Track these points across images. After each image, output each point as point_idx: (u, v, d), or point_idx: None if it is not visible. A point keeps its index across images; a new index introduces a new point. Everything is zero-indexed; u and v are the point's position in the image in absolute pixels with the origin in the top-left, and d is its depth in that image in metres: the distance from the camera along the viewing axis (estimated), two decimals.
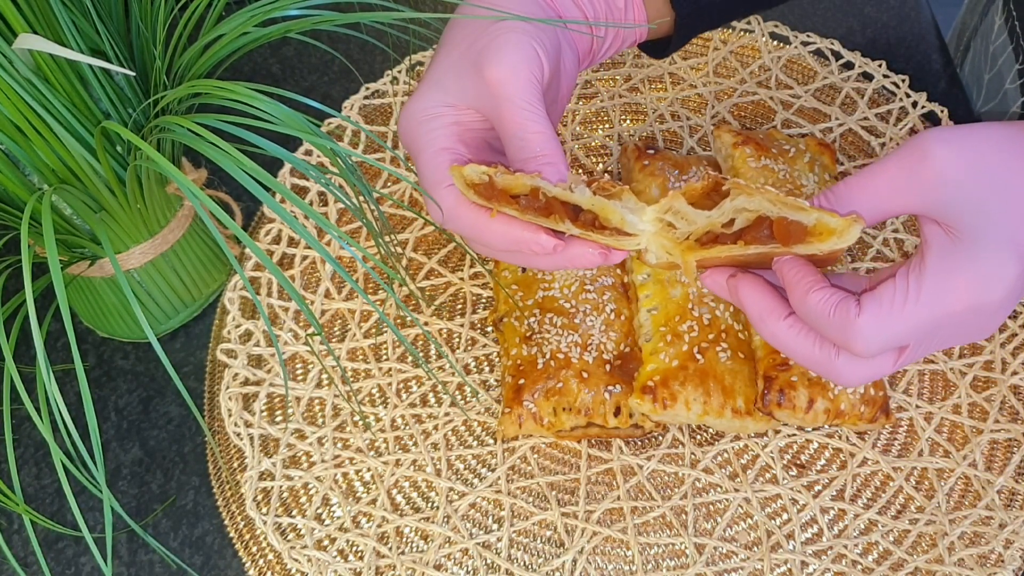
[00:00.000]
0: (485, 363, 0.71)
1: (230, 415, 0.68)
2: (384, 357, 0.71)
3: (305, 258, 0.76)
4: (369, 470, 0.67)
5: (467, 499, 0.66)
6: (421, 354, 0.72)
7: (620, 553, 0.64)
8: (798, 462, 0.67)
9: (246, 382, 0.70)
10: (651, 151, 0.73)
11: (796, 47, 0.85)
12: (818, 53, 0.85)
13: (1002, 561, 0.62)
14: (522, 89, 0.49)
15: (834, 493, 0.65)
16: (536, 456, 0.67)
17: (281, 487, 0.66)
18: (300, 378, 0.71)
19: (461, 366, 0.71)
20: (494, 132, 0.53)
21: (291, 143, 0.79)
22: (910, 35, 0.88)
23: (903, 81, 0.82)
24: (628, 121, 0.82)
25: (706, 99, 0.83)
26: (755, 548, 0.64)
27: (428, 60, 0.84)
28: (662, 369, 0.64)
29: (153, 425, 0.71)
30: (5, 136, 0.55)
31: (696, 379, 0.63)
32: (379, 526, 0.65)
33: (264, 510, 0.65)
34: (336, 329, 0.73)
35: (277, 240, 0.76)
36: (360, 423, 0.68)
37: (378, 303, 0.74)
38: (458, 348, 0.71)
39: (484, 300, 0.74)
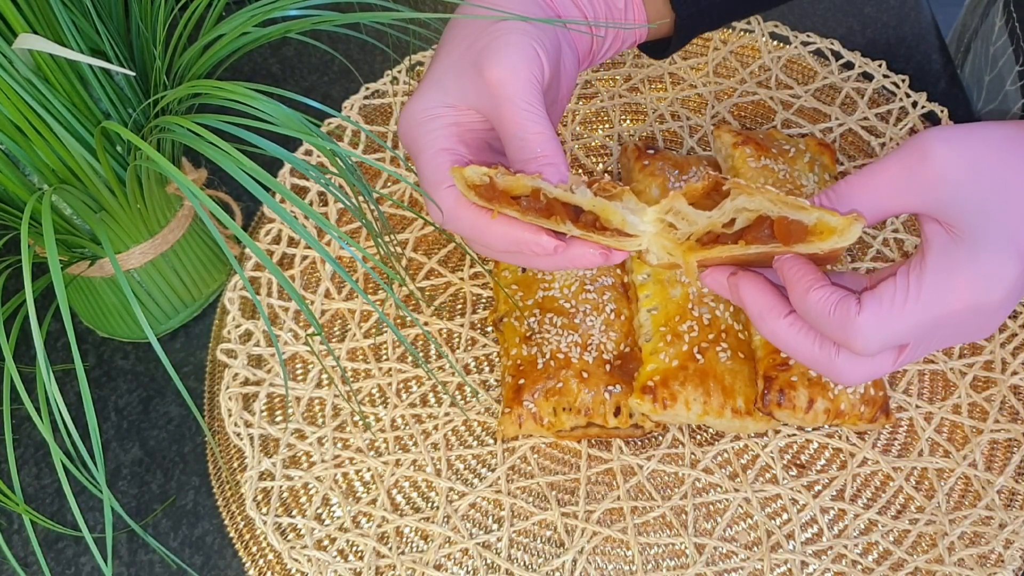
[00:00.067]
0: (485, 363, 0.71)
1: (230, 415, 0.68)
2: (384, 357, 0.71)
3: (305, 258, 0.76)
4: (369, 470, 0.67)
5: (467, 499, 0.66)
6: (421, 354, 0.72)
7: (620, 553, 0.64)
8: (798, 462, 0.67)
9: (246, 382, 0.70)
10: (651, 151, 0.73)
11: (796, 47, 0.85)
12: (818, 53, 0.85)
13: (1002, 561, 0.62)
14: (522, 89, 0.49)
15: (834, 493, 0.65)
16: (536, 456, 0.67)
17: (281, 487, 0.66)
18: (300, 378, 0.71)
19: (461, 366, 0.71)
20: (494, 133, 0.53)
21: (291, 143, 0.79)
22: (910, 35, 0.88)
23: (903, 81, 0.82)
24: (628, 121, 0.82)
25: (706, 99, 0.83)
26: (755, 548, 0.64)
27: (428, 60, 0.84)
28: (662, 369, 0.64)
29: (153, 425, 0.71)
30: (5, 136, 0.55)
31: (696, 379, 0.63)
32: (379, 526, 0.65)
33: (264, 510, 0.65)
34: (336, 329, 0.73)
35: (277, 240, 0.76)
36: (360, 423, 0.68)
37: (378, 303, 0.74)
38: (458, 348, 0.71)
39: (484, 300, 0.74)
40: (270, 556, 0.64)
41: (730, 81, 0.84)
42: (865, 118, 0.81)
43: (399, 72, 0.84)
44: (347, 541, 0.64)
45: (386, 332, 0.72)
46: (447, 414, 0.69)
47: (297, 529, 0.65)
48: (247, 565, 0.65)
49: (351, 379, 0.70)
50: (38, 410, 0.49)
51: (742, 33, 0.86)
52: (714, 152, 0.75)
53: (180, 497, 0.68)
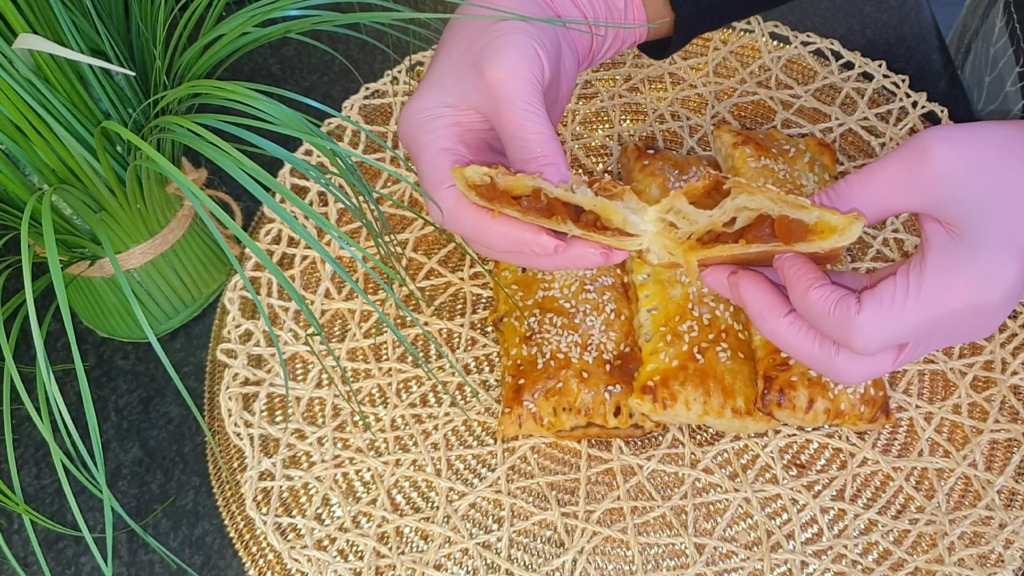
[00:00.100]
0: (485, 363, 0.71)
1: (230, 415, 0.68)
2: (384, 357, 0.71)
3: (305, 258, 0.76)
4: (369, 470, 0.67)
5: (467, 499, 0.66)
6: (421, 354, 0.72)
7: (620, 553, 0.64)
8: (798, 462, 0.67)
9: (246, 382, 0.70)
10: (651, 151, 0.73)
11: (796, 47, 0.85)
12: (818, 53, 0.85)
13: (1002, 561, 0.62)
14: (522, 89, 0.49)
15: (834, 493, 0.65)
16: (536, 456, 0.67)
17: (281, 487, 0.66)
18: (300, 378, 0.71)
19: (461, 366, 0.71)
20: (494, 133, 0.53)
21: (291, 143, 0.79)
22: (910, 35, 0.88)
23: (903, 81, 0.82)
24: (628, 121, 0.82)
25: (706, 99, 0.83)
26: (755, 548, 0.64)
27: (428, 60, 0.84)
28: (662, 369, 0.64)
29: (153, 425, 0.71)
30: (5, 136, 0.55)
31: (696, 379, 0.63)
32: (379, 526, 0.65)
33: (264, 510, 0.65)
34: (336, 329, 0.73)
35: (277, 240, 0.76)
36: (360, 423, 0.68)
37: (378, 303, 0.74)
38: (458, 348, 0.71)
39: (484, 300, 0.74)
40: (270, 556, 0.64)
41: (730, 81, 0.84)
42: (865, 118, 0.81)
43: (399, 72, 0.84)
44: (347, 541, 0.64)
45: (386, 332, 0.72)
46: (447, 414, 0.69)
47: (297, 529, 0.65)
48: (247, 565, 0.65)
49: (351, 379, 0.70)
50: (38, 410, 0.49)
51: (742, 33, 0.86)
52: (714, 152, 0.75)
53: (180, 497, 0.68)
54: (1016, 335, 0.70)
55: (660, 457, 0.66)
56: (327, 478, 0.66)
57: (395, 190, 0.79)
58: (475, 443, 0.68)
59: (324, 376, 0.70)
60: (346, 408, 0.69)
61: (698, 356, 0.64)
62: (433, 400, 0.70)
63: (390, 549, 0.64)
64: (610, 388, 0.64)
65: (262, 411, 0.69)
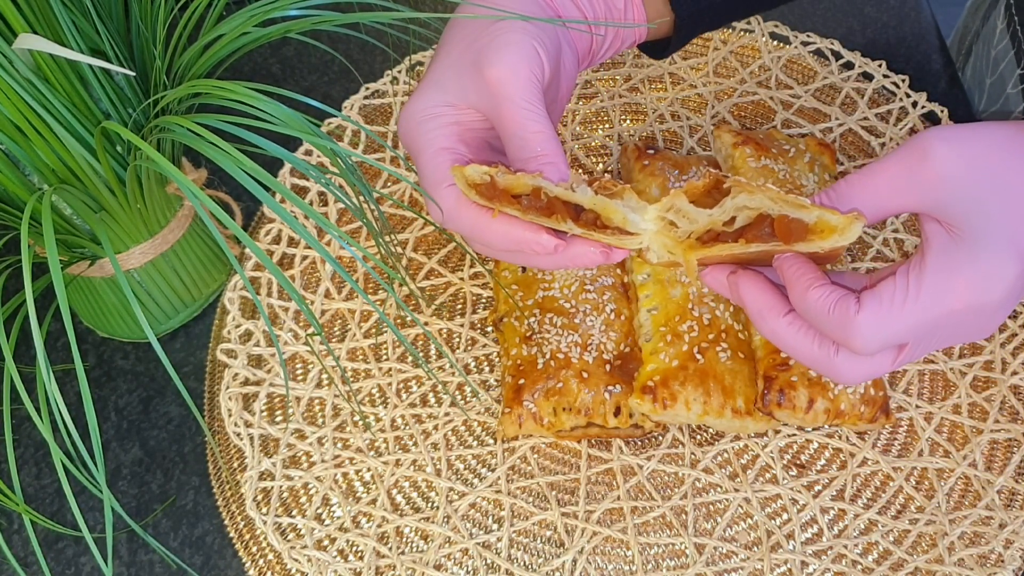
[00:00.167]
0: (485, 363, 0.71)
1: (230, 415, 0.68)
2: (384, 357, 0.71)
3: (305, 258, 0.76)
4: (369, 470, 0.67)
5: (467, 499, 0.65)
6: (421, 354, 0.72)
7: (620, 553, 0.64)
8: (798, 462, 0.67)
9: (246, 382, 0.70)
10: (651, 151, 0.73)
11: (796, 47, 0.85)
12: (818, 53, 0.85)
13: (1002, 561, 0.62)
14: (522, 88, 0.49)
15: (834, 493, 0.65)
16: (536, 456, 0.67)
17: (281, 487, 0.66)
18: (300, 378, 0.71)
19: (461, 366, 0.71)
20: (494, 132, 0.53)
21: (291, 143, 0.79)
22: (910, 35, 0.88)
23: (903, 81, 0.82)
24: (628, 121, 0.82)
25: (706, 99, 0.83)
26: (755, 548, 0.64)
27: (428, 60, 0.84)
28: (662, 369, 0.64)
29: (153, 425, 0.71)
30: (5, 136, 0.55)
31: (696, 379, 0.63)
32: (379, 526, 0.65)
33: (264, 510, 0.65)
34: (336, 329, 0.73)
35: (277, 240, 0.76)
36: (360, 423, 0.68)
37: (378, 303, 0.74)
38: (458, 348, 0.71)
39: (484, 300, 0.74)
40: (270, 556, 0.64)
41: (730, 81, 0.84)
42: (865, 118, 0.81)
43: (399, 72, 0.84)
44: (347, 541, 0.64)
45: (386, 332, 0.72)
46: (447, 414, 0.69)
47: (297, 529, 0.65)
48: (247, 565, 0.65)
49: (351, 379, 0.70)
50: (38, 410, 0.49)
51: (742, 33, 0.86)
52: (714, 152, 0.75)
53: (180, 497, 0.68)
54: (1016, 335, 0.70)
55: (660, 457, 0.66)
56: (327, 478, 0.66)
57: (395, 190, 0.79)
58: (475, 443, 0.68)
59: (324, 376, 0.70)
60: (346, 408, 0.69)
61: (698, 356, 0.64)
62: (433, 400, 0.70)
63: (390, 549, 0.64)
64: (610, 388, 0.64)
65: (262, 411, 0.69)
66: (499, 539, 0.64)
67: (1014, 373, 0.68)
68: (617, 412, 0.65)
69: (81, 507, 0.67)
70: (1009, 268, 0.45)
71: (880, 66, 0.83)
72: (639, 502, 0.65)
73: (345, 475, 0.67)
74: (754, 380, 0.65)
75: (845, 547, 0.63)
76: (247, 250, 0.76)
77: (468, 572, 0.63)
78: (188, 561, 0.66)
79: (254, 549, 0.65)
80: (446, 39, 0.54)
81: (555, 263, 0.50)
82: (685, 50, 0.85)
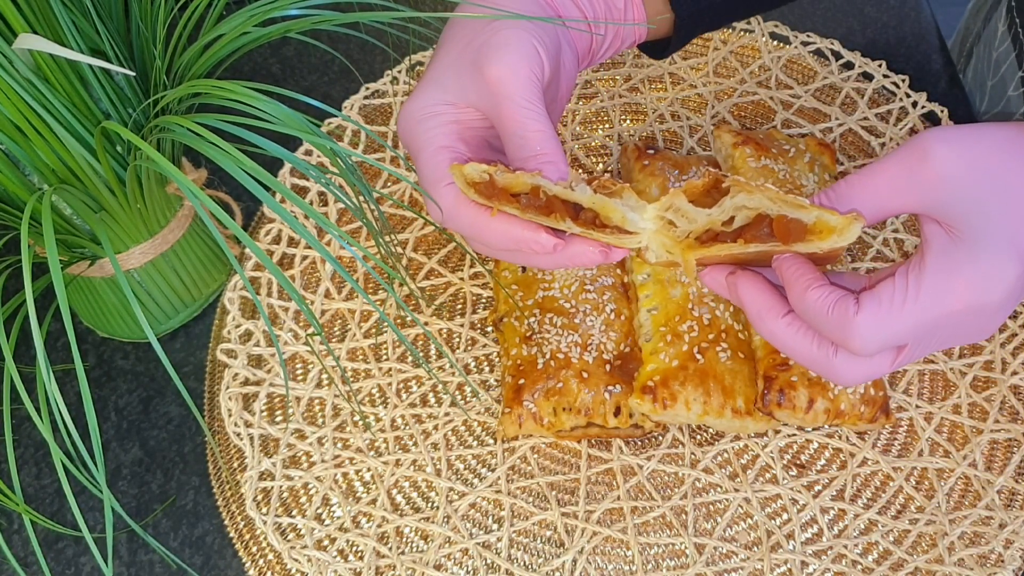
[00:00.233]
0: (485, 363, 0.71)
1: (230, 415, 0.68)
2: (384, 357, 0.71)
3: (305, 258, 0.76)
4: (369, 470, 0.67)
5: (467, 499, 0.65)
6: (421, 354, 0.72)
7: (620, 553, 0.64)
8: (798, 462, 0.67)
9: (246, 382, 0.70)
10: (651, 151, 0.73)
11: (796, 47, 0.85)
12: (818, 53, 0.85)
13: (1002, 561, 0.62)
14: (522, 87, 0.49)
15: (834, 493, 0.65)
16: (536, 456, 0.67)
17: (281, 487, 0.66)
18: (300, 378, 0.71)
19: (461, 366, 0.71)
20: (494, 131, 0.53)
21: (291, 143, 0.79)
22: (910, 35, 0.88)
23: (903, 81, 0.82)
24: (628, 121, 0.82)
25: (706, 99, 0.83)
26: (755, 548, 0.64)
27: (428, 60, 0.84)
28: (662, 369, 0.64)
29: (153, 425, 0.71)
30: (5, 136, 0.55)
31: (696, 379, 0.63)
32: (379, 526, 0.65)
33: (264, 510, 0.65)
34: (336, 329, 0.73)
35: (277, 240, 0.76)
36: (360, 423, 0.68)
37: (378, 303, 0.74)
38: (458, 348, 0.71)
39: (484, 300, 0.74)
40: (270, 556, 0.64)
41: (730, 81, 0.84)
42: (865, 118, 0.81)
43: (399, 72, 0.84)
44: (347, 541, 0.64)
45: (386, 332, 0.72)
46: (447, 414, 0.69)
47: (297, 529, 0.65)
48: (247, 565, 0.65)
49: (351, 379, 0.70)
50: (38, 410, 0.49)
51: (742, 33, 0.86)
52: (714, 152, 0.75)
53: (180, 497, 0.68)
54: (1016, 335, 0.70)
55: (660, 457, 0.66)
56: (327, 478, 0.66)
57: (395, 190, 0.79)
58: (475, 443, 0.68)
59: (324, 376, 0.70)
60: (346, 408, 0.69)
61: (698, 356, 0.64)
62: (433, 400, 0.70)
63: (390, 549, 0.64)
64: (610, 388, 0.64)
65: (262, 411, 0.69)
66: (499, 539, 0.64)
67: (1014, 373, 0.68)
68: (617, 412, 0.65)
69: (81, 507, 0.67)
70: (1009, 269, 0.45)
71: (880, 66, 0.83)
72: (639, 502, 0.65)
73: (345, 475, 0.67)
74: (754, 380, 0.65)
75: (845, 547, 0.63)
76: (247, 250, 0.76)
77: (468, 572, 0.63)
78: (188, 561, 0.66)
79: (254, 549, 0.65)
80: (446, 38, 0.54)
81: (554, 262, 0.50)
82: (685, 50, 0.85)
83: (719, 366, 0.64)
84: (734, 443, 0.67)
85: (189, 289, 0.73)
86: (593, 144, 0.81)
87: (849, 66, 0.84)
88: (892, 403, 0.67)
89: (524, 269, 0.69)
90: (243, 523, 0.66)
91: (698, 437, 0.68)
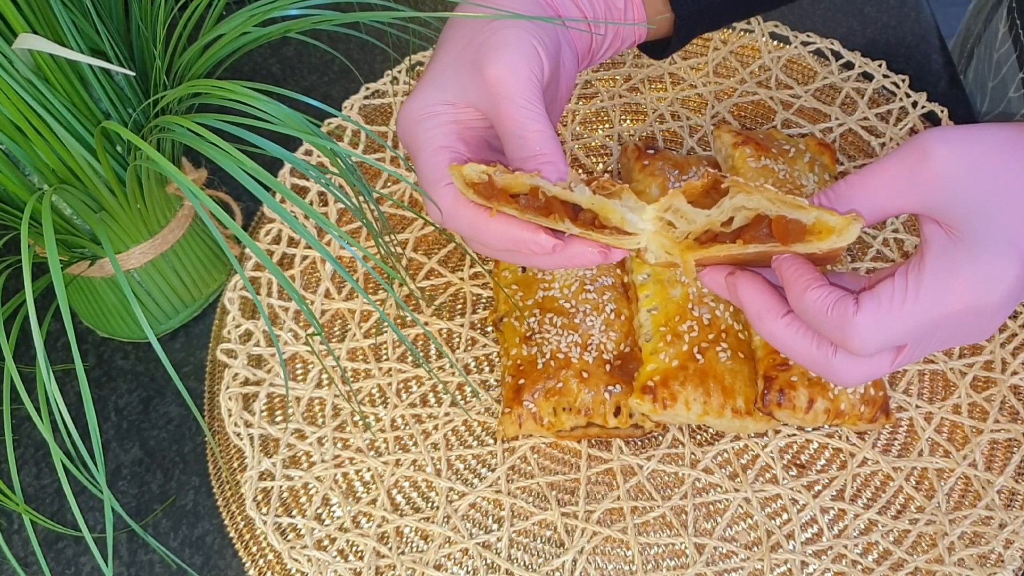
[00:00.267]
0: (485, 363, 0.71)
1: (230, 415, 0.68)
2: (384, 357, 0.71)
3: (305, 258, 0.76)
4: (369, 470, 0.67)
5: (467, 499, 0.66)
6: (421, 354, 0.72)
7: (620, 553, 0.64)
8: (798, 462, 0.67)
9: (246, 382, 0.70)
10: (651, 151, 0.73)
11: (796, 47, 0.85)
12: (818, 53, 0.85)
13: (1002, 561, 0.62)
14: (522, 87, 0.49)
15: (834, 493, 0.65)
16: (536, 456, 0.67)
17: (281, 487, 0.66)
18: (300, 378, 0.71)
19: (461, 366, 0.71)
20: (493, 131, 0.53)
21: (291, 143, 0.79)
22: (910, 35, 0.88)
23: (903, 81, 0.82)
24: (628, 121, 0.82)
25: (706, 99, 0.83)
26: (755, 548, 0.64)
27: (428, 60, 0.84)
28: (662, 369, 0.64)
29: (153, 425, 0.71)
30: (5, 136, 0.55)
31: (696, 379, 0.63)
32: (379, 526, 0.65)
33: (264, 510, 0.65)
34: (336, 329, 0.73)
35: (277, 240, 0.76)
36: (360, 423, 0.68)
37: (378, 303, 0.74)
38: (458, 348, 0.71)
39: (484, 300, 0.74)
40: (270, 556, 0.64)
41: (730, 81, 0.84)
42: (865, 118, 0.81)
43: (399, 72, 0.84)
44: (347, 541, 0.64)
45: (386, 332, 0.72)
46: (447, 414, 0.69)
47: (297, 529, 0.65)
48: (247, 565, 0.65)
49: (351, 379, 0.70)
50: (38, 410, 0.49)
51: (742, 33, 0.86)
52: (714, 152, 0.75)
53: (180, 497, 0.68)
54: (1016, 335, 0.70)
55: (660, 457, 0.66)
56: (327, 478, 0.66)
57: (395, 190, 0.79)
58: (475, 443, 0.68)
59: (324, 376, 0.70)
60: (346, 408, 0.69)
61: (698, 356, 0.64)
62: (433, 400, 0.70)
63: (390, 549, 0.64)
64: (610, 388, 0.64)
65: (262, 411, 0.69)
66: (499, 539, 0.64)
67: (1014, 373, 0.68)
68: (617, 412, 0.65)
69: (81, 507, 0.67)
70: (1009, 269, 0.45)
71: (880, 66, 0.83)
72: (639, 502, 0.65)
73: (345, 475, 0.67)
74: (754, 380, 0.65)
75: (845, 547, 0.63)
76: (247, 250, 0.76)
77: (468, 572, 0.63)
78: (188, 561, 0.66)
79: (254, 549, 0.65)
80: (445, 38, 0.54)
81: (553, 263, 0.50)
82: (685, 50, 0.85)
83: (719, 366, 0.64)
84: (734, 443, 0.67)
85: (189, 289, 0.73)
86: (593, 144, 0.81)
87: (849, 66, 0.84)
88: (892, 403, 0.67)
89: (524, 269, 0.69)
90: (243, 523, 0.66)
91: (698, 437, 0.68)
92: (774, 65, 0.84)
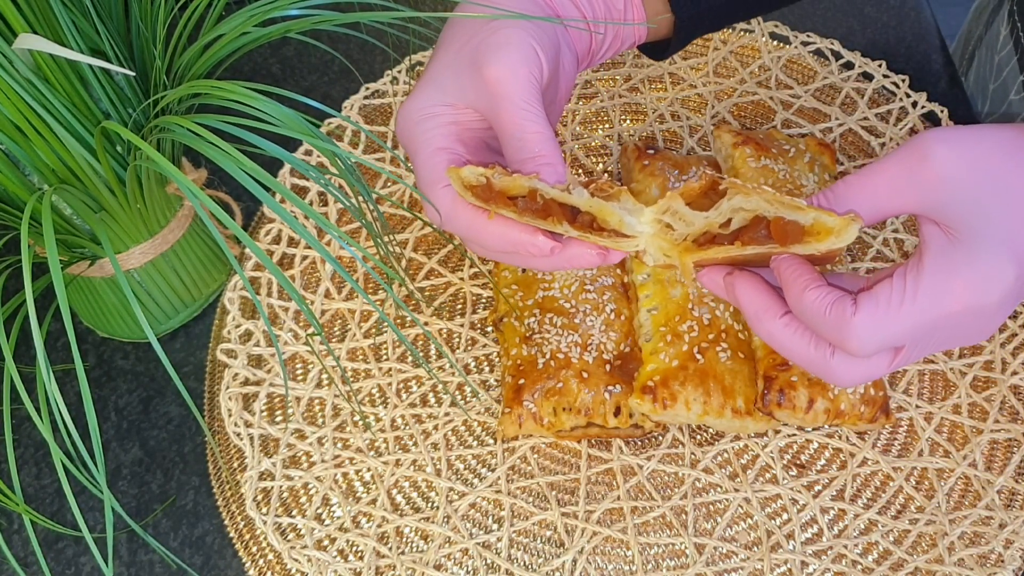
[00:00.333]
0: (485, 363, 0.71)
1: (230, 415, 0.68)
2: (384, 357, 0.71)
3: (305, 258, 0.76)
4: (369, 470, 0.67)
5: (467, 499, 0.66)
6: (421, 354, 0.72)
7: (620, 553, 0.64)
8: (798, 462, 0.67)
9: (246, 382, 0.70)
10: (651, 151, 0.73)
11: (796, 47, 0.85)
12: (818, 53, 0.85)
13: (1002, 561, 0.62)
14: (521, 89, 0.49)
15: (834, 493, 0.65)
16: (536, 456, 0.67)
17: (281, 487, 0.66)
18: (300, 378, 0.71)
19: (461, 366, 0.71)
20: (492, 132, 0.53)
21: (291, 143, 0.79)
22: (910, 35, 0.88)
23: (903, 81, 0.82)
24: (628, 121, 0.82)
25: (706, 99, 0.83)
26: (755, 548, 0.64)
27: (427, 60, 0.84)
28: (662, 369, 0.64)
29: (153, 425, 0.71)
30: (5, 136, 0.55)
31: (696, 379, 0.63)
32: (379, 526, 0.65)
33: (264, 510, 0.65)
34: (336, 329, 0.73)
35: (277, 240, 0.76)
36: (360, 423, 0.68)
37: (378, 303, 0.74)
38: (458, 348, 0.71)
39: (484, 300, 0.74)
40: (270, 556, 0.65)
41: (730, 81, 0.84)
42: (865, 118, 0.81)
43: (399, 72, 0.84)
44: (347, 541, 0.64)
45: (386, 332, 0.72)
46: (447, 414, 0.69)
47: (297, 529, 0.65)
48: (247, 565, 0.65)
49: (351, 379, 0.71)
50: (38, 410, 0.49)
51: (742, 33, 0.86)
52: (714, 152, 0.75)
53: (180, 497, 0.68)
54: (1016, 335, 0.70)
55: (660, 457, 0.67)
56: (327, 478, 0.66)
57: (395, 190, 0.79)
58: (475, 443, 0.68)
59: (324, 376, 0.70)
60: (346, 408, 0.69)
61: (698, 356, 0.64)
62: (433, 400, 0.70)
63: (390, 549, 0.64)
64: (610, 388, 0.64)
65: (262, 411, 0.69)
66: (499, 539, 0.64)
67: (1014, 373, 0.68)
68: (617, 412, 0.65)
69: (81, 507, 0.67)
70: (1008, 270, 0.45)
71: (880, 66, 0.83)
72: (639, 502, 0.65)
73: (345, 475, 0.67)
74: (754, 380, 0.65)
75: (845, 547, 0.63)
76: (247, 250, 0.76)
77: (468, 572, 0.63)
78: (188, 561, 0.66)
79: (254, 549, 0.65)
80: (444, 37, 0.54)
81: (551, 265, 0.50)
82: (685, 50, 0.85)
83: (719, 366, 0.64)
84: (734, 443, 0.67)
85: (189, 289, 0.73)
86: (593, 144, 0.81)
87: (849, 66, 0.84)
88: (892, 403, 0.67)
89: (524, 269, 0.69)
90: (243, 523, 0.66)
91: (698, 437, 0.68)
92: (774, 65, 0.84)
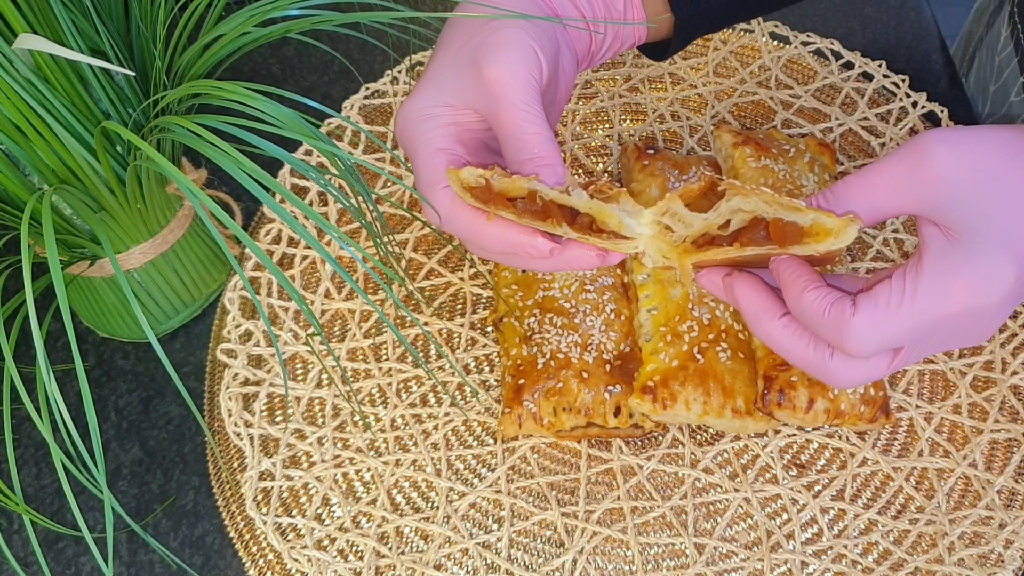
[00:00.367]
0: (485, 363, 0.71)
1: (230, 415, 0.68)
2: (384, 357, 0.71)
3: (305, 258, 0.76)
4: (369, 470, 0.67)
5: (467, 499, 0.66)
6: (421, 354, 0.72)
7: (620, 553, 0.64)
8: (798, 462, 0.67)
9: (246, 382, 0.70)
10: (651, 151, 0.73)
11: (796, 47, 0.85)
12: (818, 53, 0.85)
13: (1002, 561, 0.62)
14: (520, 90, 0.49)
15: (834, 493, 0.65)
16: (536, 456, 0.67)
17: (281, 487, 0.66)
18: (300, 378, 0.71)
19: (461, 366, 0.71)
20: (491, 133, 0.53)
21: (291, 143, 0.79)
22: (910, 35, 0.88)
23: (903, 81, 0.82)
24: (628, 121, 0.82)
25: (706, 99, 0.83)
26: (755, 548, 0.64)
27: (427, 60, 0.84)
28: (662, 369, 0.64)
29: (153, 425, 0.71)
30: (5, 136, 0.55)
31: (696, 379, 0.63)
32: (379, 526, 0.65)
33: (264, 510, 0.65)
34: (336, 329, 0.73)
35: (277, 240, 0.76)
36: (360, 423, 0.69)
37: (378, 303, 0.74)
38: (458, 348, 0.71)
39: (484, 300, 0.74)
40: (270, 556, 0.65)
41: (730, 81, 0.84)
42: (865, 118, 0.81)
43: (399, 72, 0.84)
44: (347, 541, 0.64)
45: (386, 332, 0.72)
46: (447, 414, 0.69)
47: (297, 529, 0.65)
48: (247, 565, 0.65)
49: (351, 379, 0.71)
50: (38, 410, 0.49)
51: (742, 33, 0.86)
52: (714, 152, 0.75)
53: (180, 497, 0.68)
54: (1016, 335, 0.70)
55: (660, 457, 0.67)
56: (327, 478, 0.66)
57: (395, 191, 0.79)
58: (475, 443, 0.68)
59: (324, 376, 0.70)
60: (346, 408, 0.69)
61: (698, 356, 0.64)
62: (433, 400, 0.70)
63: (390, 549, 0.64)
64: (610, 388, 0.64)
65: (262, 411, 0.69)
66: (499, 539, 0.64)
67: (1014, 373, 0.68)
68: (617, 412, 0.65)
69: (81, 507, 0.67)
70: (1008, 271, 0.45)
71: (880, 66, 0.83)
72: (639, 502, 0.65)
73: (345, 475, 0.67)
74: (754, 380, 0.65)
75: (845, 547, 0.63)
76: (247, 250, 0.76)
77: (468, 572, 0.63)
78: (188, 561, 0.66)
79: (254, 549, 0.65)
80: (444, 38, 0.54)
81: (550, 266, 0.50)
82: (685, 50, 0.85)
83: (719, 366, 0.64)
84: (734, 443, 0.67)
85: (189, 289, 0.73)
86: (593, 144, 0.81)
87: (849, 66, 0.84)
88: (892, 403, 0.67)
89: (523, 269, 0.69)
90: (243, 523, 0.66)
91: (698, 437, 0.68)
92: (774, 65, 0.84)
